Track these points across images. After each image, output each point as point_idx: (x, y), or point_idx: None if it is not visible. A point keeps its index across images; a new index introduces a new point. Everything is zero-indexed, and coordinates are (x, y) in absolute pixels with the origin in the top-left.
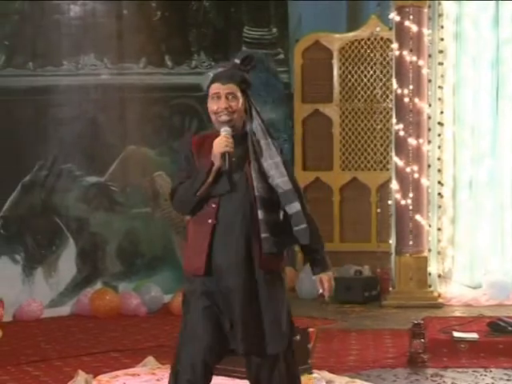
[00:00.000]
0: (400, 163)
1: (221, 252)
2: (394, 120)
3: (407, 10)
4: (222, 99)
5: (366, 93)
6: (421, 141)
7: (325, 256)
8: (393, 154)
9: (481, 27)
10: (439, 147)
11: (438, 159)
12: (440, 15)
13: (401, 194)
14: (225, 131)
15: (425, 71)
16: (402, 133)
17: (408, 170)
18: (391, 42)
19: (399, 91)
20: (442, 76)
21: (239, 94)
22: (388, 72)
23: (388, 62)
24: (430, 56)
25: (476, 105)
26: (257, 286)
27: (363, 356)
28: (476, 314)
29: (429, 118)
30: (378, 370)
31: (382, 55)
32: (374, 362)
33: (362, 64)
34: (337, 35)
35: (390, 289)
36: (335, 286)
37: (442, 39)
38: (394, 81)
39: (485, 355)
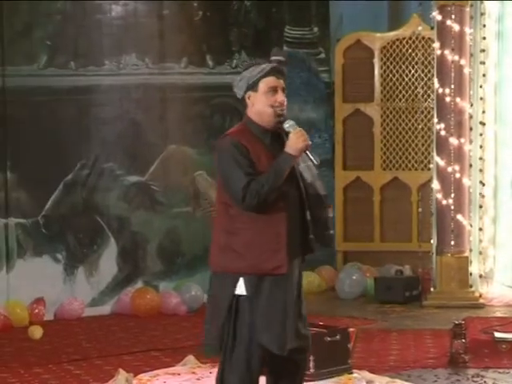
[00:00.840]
0: (441, 163)
1: (291, 249)
2: (435, 119)
3: (449, 9)
4: (279, 93)
5: (407, 92)
6: (462, 140)
7: None
8: (434, 153)
9: None
10: (481, 147)
11: (480, 159)
12: (482, 14)
13: (442, 194)
14: (293, 124)
15: (466, 70)
16: (443, 132)
17: (449, 169)
18: (433, 42)
19: (440, 90)
20: (484, 75)
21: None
22: (429, 71)
23: (429, 62)
24: (471, 55)
25: None
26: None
27: (404, 356)
28: None
29: (470, 117)
30: (418, 370)
31: (423, 54)
32: (415, 362)
33: (404, 63)
34: (378, 34)
35: (431, 289)
36: (375, 286)
37: (484, 38)
38: (435, 80)
39: None
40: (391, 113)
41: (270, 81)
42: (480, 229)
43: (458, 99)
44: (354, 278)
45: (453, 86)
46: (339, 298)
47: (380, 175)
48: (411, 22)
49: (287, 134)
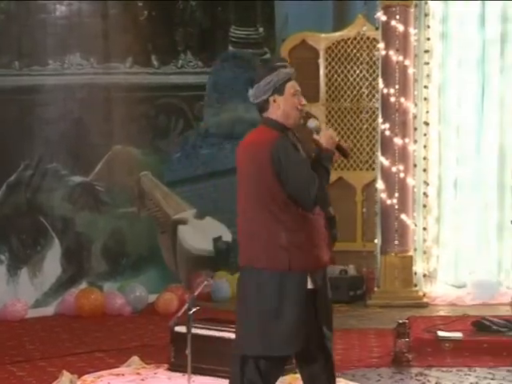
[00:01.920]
0: (386, 163)
1: (329, 243)
2: (379, 119)
3: (393, 9)
4: (301, 96)
5: (352, 92)
6: (406, 140)
7: None
8: (378, 153)
9: (467, 27)
10: (425, 147)
11: (424, 159)
12: (426, 15)
13: (386, 194)
14: (316, 124)
15: (411, 71)
16: (387, 132)
17: (394, 169)
18: (377, 42)
19: (385, 91)
20: (428, 76)
21: None
22: (374, 72)
23: (374, 62)
24: (416, 56)
25: (461, 104)
26: None
27: (348, 355)
28: (460, 314)
29: (414, 117)
30: (362, 369)
31: (368, 55)
32: (359, 361)
33: (349, 63)
34: (323, 35)
35: (375, 288)
36: None
37: (429, 39)
38: (380, 80)
39: (469, 354)
40: (336, 113)
41: (294, 85)
42: (424, 228)
43: (402, 99)
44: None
45: (397, 87)
46: None
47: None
48: (356, 22)
49: (316, 131)
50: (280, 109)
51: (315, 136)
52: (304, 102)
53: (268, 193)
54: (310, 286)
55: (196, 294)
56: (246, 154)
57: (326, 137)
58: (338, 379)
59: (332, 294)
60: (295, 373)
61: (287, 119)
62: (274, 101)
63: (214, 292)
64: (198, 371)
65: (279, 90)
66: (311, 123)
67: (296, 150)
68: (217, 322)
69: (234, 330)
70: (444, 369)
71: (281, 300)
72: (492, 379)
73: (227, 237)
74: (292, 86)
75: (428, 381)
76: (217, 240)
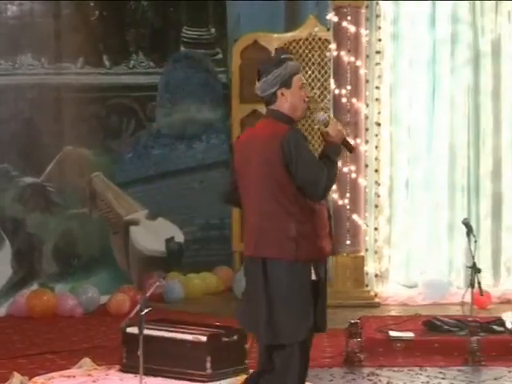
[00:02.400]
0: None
1: (331, 235)
2: None
3: (345, 10)
4: (306, 88)
5: None
6: (358, 141)
7: None
8: None
9: (417, 27)
10: (376, 147)
11: (375, 159)
12: (377, 16)
13: (338, 194)
14: (325, 117)
15: (362, 72)
16: None
17: (345, 169)
18: (329, 43)
19: (337, 91)
20: (380, 76)
21: None
22: (326, 72)
23: (326, 63)
24: (367, 56)
25: (412, 105)
26: None
27: None
28: (412, 313)
29: (366, 118)
30: (314, 369)
31: (319, 55)
32: (311, 361)
33: (301, 64)
34: (275, 35)
35: (328, 289)
36: None
37: (380, 40)
38: (331, 81)
39: (420, 354)
40: None
41: (301, 77)
42: (375, 228)
43: (354, 100)
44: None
45: (349, 87)
46: (237, 298)
47: None
48: (308, 23)
49: (325, 124)
50: (288, 102)
51: (323, 129)
52: (308, 94)
53: (278, 185)
54: (313, 277)
55: (148, 294)
56: (254, 146)
57: (334, 130)
58: None
59: None
60: (247, 373)
61: (294, 112)
62: (282, 94)
63: (166, 293)
64: (149, 372)
65: (287, 83)
66: (321, 116)
67: (306, 142)
68: (169, 323)
69: (185, 330)
70: (395, 368)
71: (288, 289)
72: (443, 379)
73: (179, 237)
74: (299, 79)
75: (379, 380)
76: (169, 241)
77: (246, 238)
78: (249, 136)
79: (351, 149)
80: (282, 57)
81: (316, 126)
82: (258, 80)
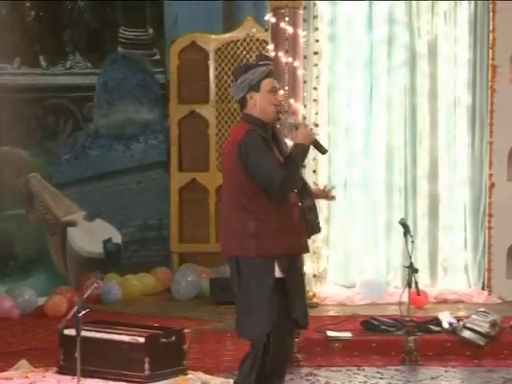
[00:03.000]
0: None
1: (303, 232)
2: None
3: (282, 11)
4: (278, 93)
5: None
6: None
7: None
8: None
9: (355, 28)
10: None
11: (313, 160)
12: (315, 17)
13: None
14: (295, 120)
15: (300, 72)
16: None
17: None
18: (267, 44)
19: None
20: (317, 77)
21: None
22: None
23: None
24: (305, 57)
25: (350, 106)
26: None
27: (238, 357)
28: (350, 314)
29: (304, 118)
30: None
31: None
32: None
33: (239, 65)
34: (213, 36)
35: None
36: (211, 287)
37: (317, 41)
38: None
39: (358, 354)
40: (226, 114)
41: (271, 82)
42: None
43: (291, 101)
44: (190, 279)
45: (287, 88)
46: (175, 299)
47: (216, 176)
48: (245, 23)
49: (296, 127)
50: (257, 105)
51: (294, 132)
52: (280, 98)
53: (237, 185)
54: (277, 274)
55: (85, 296)
56: (225, 150)
57: (302, 133)
58: (227, 380)
59: (223, 295)
60: (185, 374)
61: (264, 115)
62: (251, 97)
63: (103, 294)
64: (87, 374)
65: (255, 87)
66: (290, 119)
67: (265, 143)
68: (106, 325)
69: (123, 332)
70: (333, 368)
71: (250, 285)
72: (380, 378)
73: (117, 239)
74: (268, 83)
75: (318, 380)
76: (107, 242)
77: (221, 241)
78: (227, 141)
79: (322, 150)
80: (259, 63)
81: (285, 130)
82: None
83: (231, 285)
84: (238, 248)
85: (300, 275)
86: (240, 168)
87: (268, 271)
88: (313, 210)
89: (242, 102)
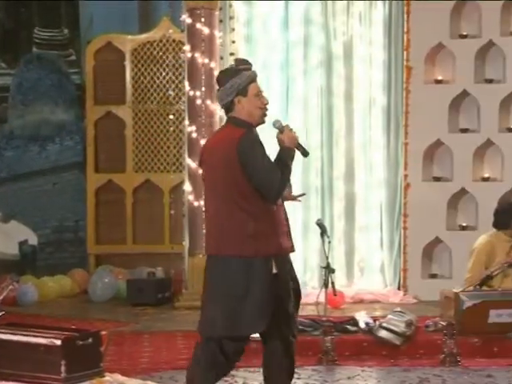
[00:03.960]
0: (193, 165)
1: (289, 232)
2: (186, 122)
3: (198, 12)
4: (263, 96)
5: (158, 95)
6: None
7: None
8: (186, 155)
9: (271, 29)
10: None
11: None
12: (231, 18)
13: (194, 196)
14: (281, 123)
15: (216, 73)
16: (194, 134)
17: (201, 171)
18: (183, 44)
19: (191, 93)
20: None
21: None
22: (180, 74)
23: (180, 65)
24: (221, 58)
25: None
26: None
27: (156, 358)
28: None
29: (221, 119)
30: (170, 371)
31: (174, 57)
32: (167, 363)
33: (155, 66)
34: (129, 37)
35: (183, 290)
36: (128, 288)
37: (234, 41)
38: (186, 83)
39: None
40: (143, 115)
41: (256, 86)
42: None
43: (208, 102)
44: (106, 280)
45: (203, 89)
46: (91, 301)
47: (132, 177)
48: (161, 24)
49: (280, 130)
50: (244, 109)
51: (279, 135)
52: (266, 101)
53: (235, 187)
54: (274, 270)
55: (0, 298)
56: (214, 152)
57: (288, 136)
58: (144, 381)
59: (140, 296)
60: (102, 376)
61: (251, 118)
62: (239, 102)
63: (19, 296)
64: (2, 377)
65: (243, 91)
66: (275, 123)
67: (261, 145)
68: (22, 327)
69: (39, 334)
70: (251, 369)
71: (248, 284)
72: (298, 378)
73: (33, 240)
74: (254, 87)
75: (235, 381)
76: (22, 243)
77: (207, 238)
78: (212, 143)
79: (305, 153)
80: (240, 67)
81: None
82: (218, 90)
83: (206, 282)
84: (234, 248)
85: (290, 272)
86: (238, 170)
87: (266, 268)
88: None
89: (229, 106)
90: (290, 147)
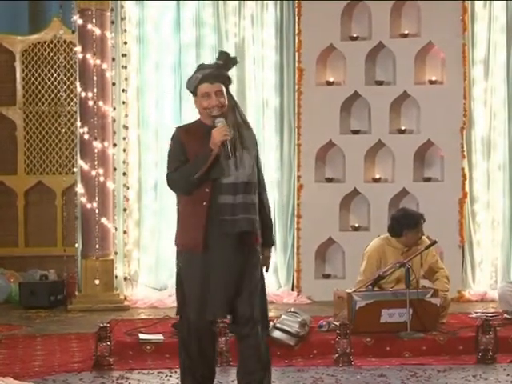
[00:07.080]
0: (85, 166)
1: (214, 231)
2: (78, 123)
3: (90, 13)
4: (212, 97)
5: (50, 96)
6: (106, 144)
7: (273, 233)
8: (78, 157)
9: (162, 31)
10: (124, 150)
11: (124, 162)
12: (123, 19)
13: (86, 198)
14: (221, 122)
15: (109, 74)
16: (86, 136)
17: (93, 173)
18: (74, 45)
19: (83, 94)
20: (126, 79)
21: (225, 91)
22: (72, 75)
23: (72, 65)
24: (113, 59)
25: (159, 108)
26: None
27: (49, 361)
28: (161, 316)
29: (114, 121)
30: (63, 374)
31: (65, 58)
32: (60, 366)
33: (46, 67)
34: (19, 37)
35: (77, 293)
36: (20, 291)
37: (126, 43)
38: (77, 84)
39: (170, 356)
40: (34, 116)
41: (203, 87)
42: (124, 232)
43: (100, 103)
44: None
45: (95, 90)
46: None
47: (24, 179)
48: (52, 25)
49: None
50: (196, 108)
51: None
52: (213, 103)
53: None
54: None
55: None
56: None
57: (213, 134)
58: None
59: (32, 299)
60: None
61: (201, 117)
62: (194, 101)
63: None
64: None
65: (194, 91)
66: (218, 123)
67: (180, 145)
68: None
69: None
70: (145, 371)
71: (182, 274)
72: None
73: None
74: (201, 89)
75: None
76: None
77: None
78: None
79: (226, 155)
80: (198, 69)
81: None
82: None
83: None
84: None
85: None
86: None
87: (190, 261)
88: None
89: None
90: (210, 147)
